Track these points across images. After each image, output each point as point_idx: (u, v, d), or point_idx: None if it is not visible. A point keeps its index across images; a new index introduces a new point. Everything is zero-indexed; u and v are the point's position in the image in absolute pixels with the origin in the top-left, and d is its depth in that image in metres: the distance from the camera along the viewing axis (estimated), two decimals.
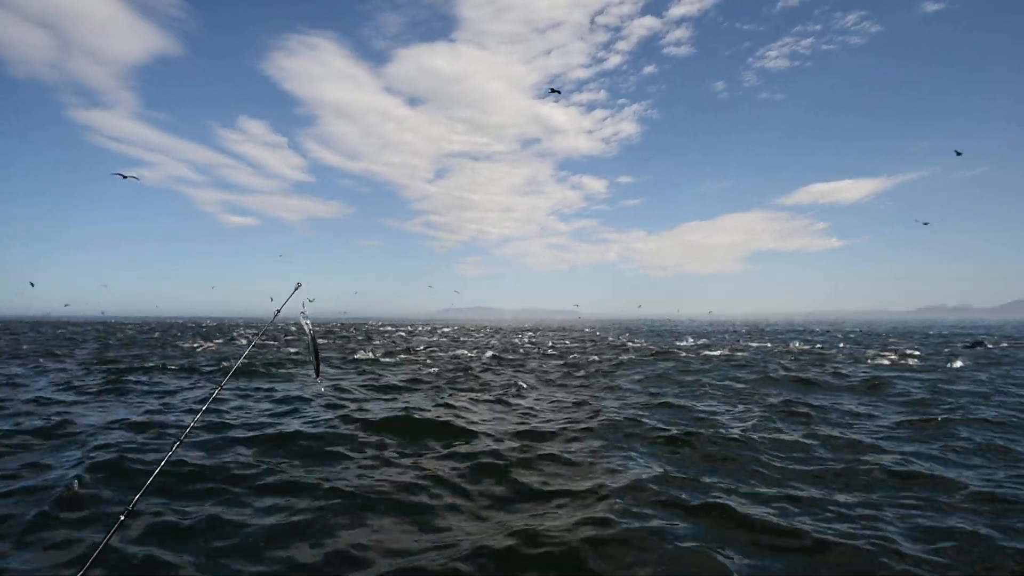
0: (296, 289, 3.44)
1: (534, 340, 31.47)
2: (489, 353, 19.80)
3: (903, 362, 16.11)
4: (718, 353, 19.61)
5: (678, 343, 27.14)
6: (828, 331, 46.64)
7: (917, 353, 18.84)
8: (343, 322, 73.68)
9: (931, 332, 42.95)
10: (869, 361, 16.66)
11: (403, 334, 39.19)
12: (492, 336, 36.70)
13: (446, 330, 49.51)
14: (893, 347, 22.85)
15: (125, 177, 12.77)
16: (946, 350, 21.08)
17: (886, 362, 16.29)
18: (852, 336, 36.15)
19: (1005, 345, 22.50)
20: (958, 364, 15.14)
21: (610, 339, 32.19)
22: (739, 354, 19.25)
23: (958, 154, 21.00)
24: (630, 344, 26.26)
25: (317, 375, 3.52)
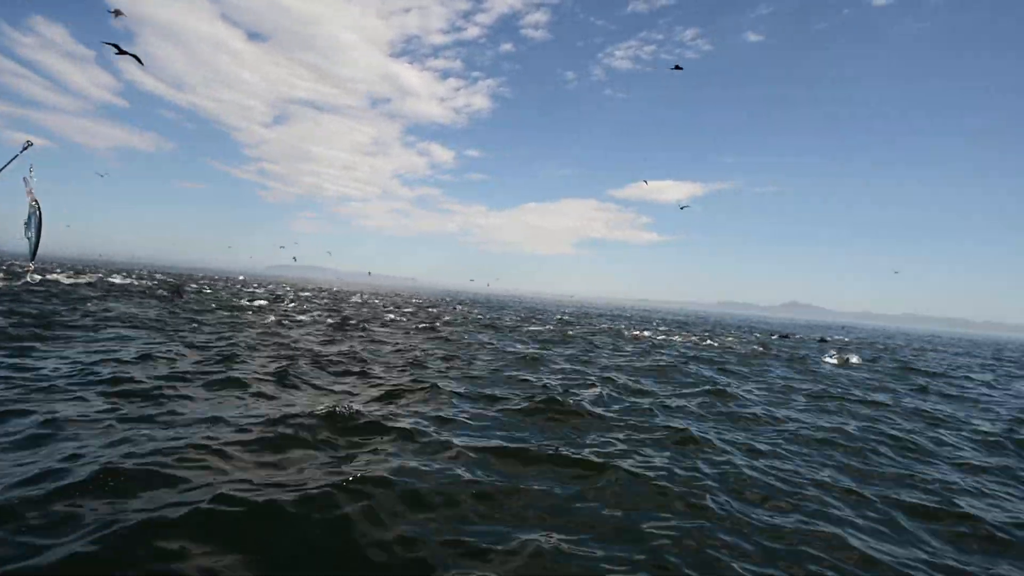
0: (25, 148, 2.85)
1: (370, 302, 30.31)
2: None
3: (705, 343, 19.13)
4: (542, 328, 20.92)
5: (505, 315, 28.49)
6: (646, 316, 53.45)
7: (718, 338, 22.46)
8: (154, 271, 61.99)
9: (727, 323, 52.29)
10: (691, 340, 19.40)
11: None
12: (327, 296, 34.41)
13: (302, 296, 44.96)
14: (698, 331, 26.93)
15: (121, 52, 9.66)
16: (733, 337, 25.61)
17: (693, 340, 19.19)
18: (670, 320, 42.01)
19: (759, 335, 28.59)
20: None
21: (460, 309, 32.48)
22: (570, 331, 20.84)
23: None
24: (474, 315, 26.74)
25: (32, 259, 3.19)
